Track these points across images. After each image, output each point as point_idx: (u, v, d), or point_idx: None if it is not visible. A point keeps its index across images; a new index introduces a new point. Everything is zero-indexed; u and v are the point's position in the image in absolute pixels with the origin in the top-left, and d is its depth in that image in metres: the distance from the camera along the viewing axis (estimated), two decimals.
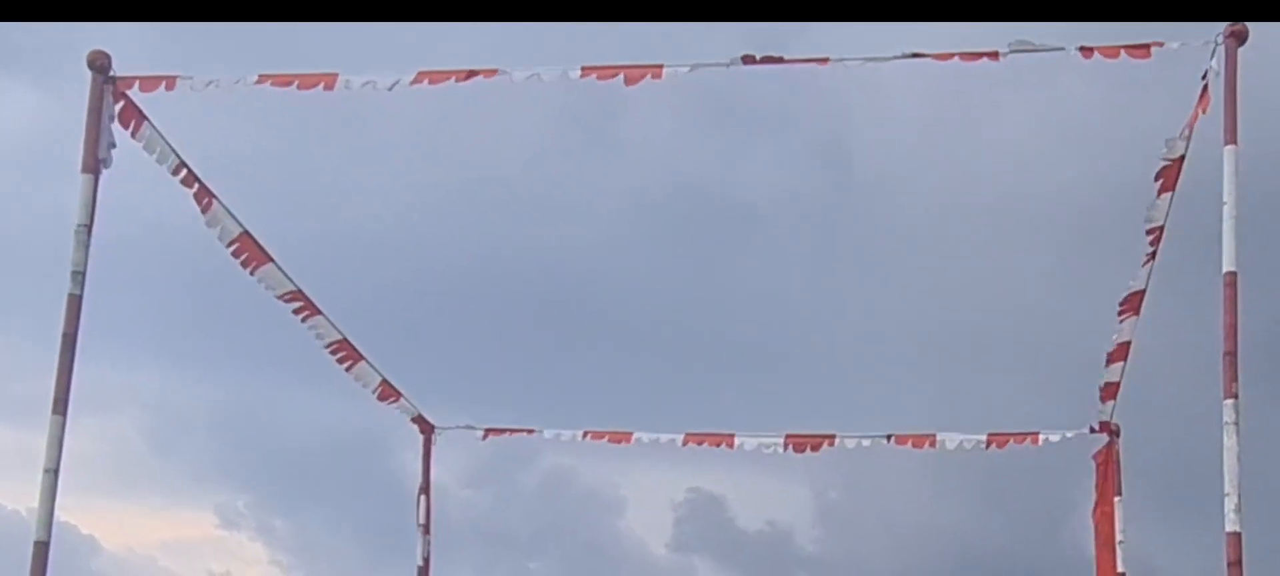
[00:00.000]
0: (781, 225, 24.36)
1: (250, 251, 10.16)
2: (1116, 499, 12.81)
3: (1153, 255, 9.99)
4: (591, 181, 22.02)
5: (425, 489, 14.16)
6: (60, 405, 8.37)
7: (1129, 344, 11.06)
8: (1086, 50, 8.39)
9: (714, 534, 24.87)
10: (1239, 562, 8.17)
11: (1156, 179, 9.39)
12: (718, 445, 13.73)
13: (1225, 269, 8.26)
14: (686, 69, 8.63)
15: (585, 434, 13.87)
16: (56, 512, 8.42)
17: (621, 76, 8.65)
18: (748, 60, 8.55)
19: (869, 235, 23.68)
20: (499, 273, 23.68)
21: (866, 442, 13.53)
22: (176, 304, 21.25)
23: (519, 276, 23.73)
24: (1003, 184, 20.87)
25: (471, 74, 8.69)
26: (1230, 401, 8.20)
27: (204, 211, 9.66)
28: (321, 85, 8.74)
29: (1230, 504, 8.18)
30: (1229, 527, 8.19)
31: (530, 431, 14.19)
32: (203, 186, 9.60)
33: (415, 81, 8.69)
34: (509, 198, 22.19)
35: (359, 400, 13.28)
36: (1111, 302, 10.91)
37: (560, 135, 22.64)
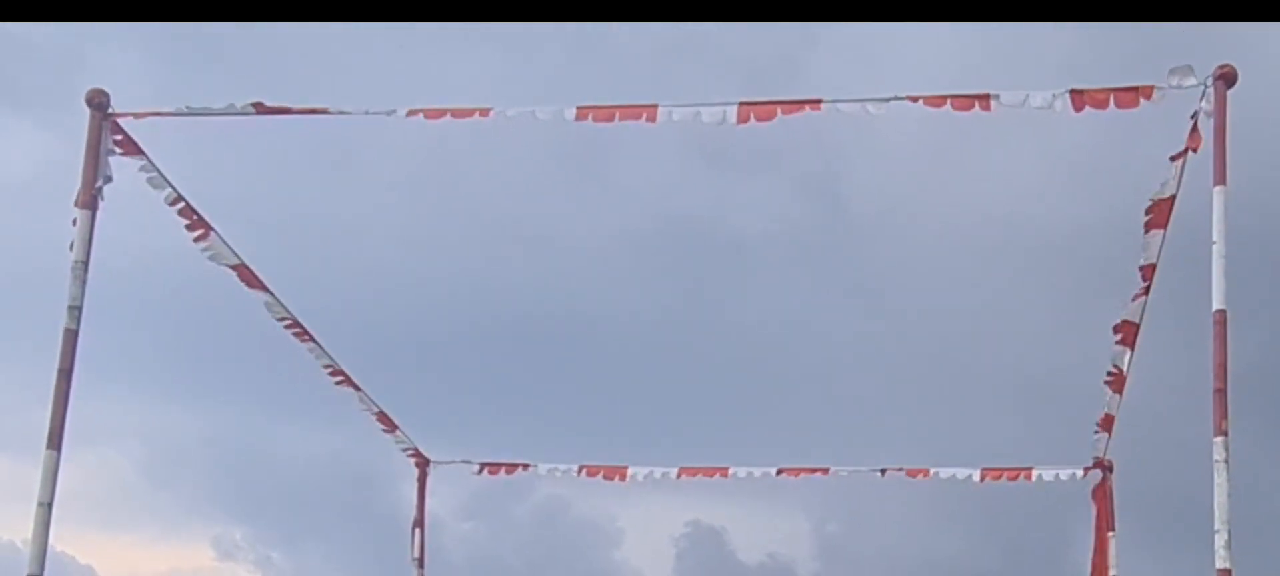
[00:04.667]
0: (776, 260, 24.43)
1: (249, 279, 10.25)
2: (1110, 534, 12.86)
3: (1146, 291, 10.03)
4: (586, 217, 22.11)
5: (420, 522, 14.21)
6: (55, 439, 8.36)
7: (1123, 375, 11.08)
8: (1077, 102, 8.43)
9: (716, 567, 24.88)
10: None
11: (1147, 215, 9.43)
12: (712, 476, 13.79)
13: (1215, 307, 8.28)
14: (681, 113, 8.66)
15: (581, 469, 13.93)
16: (54, 543, 8.44)
17: (616, 116, 8.68)
18: (743, 115, 8.58)
19: (863, 270, 23.77)
20: (494, 308, 23.75)
21: (860, 474, 13.62)
22: (174, 337, 21.29)
23: (513, 311, 23.80)
24: (997, 220, 20.93)
25: (466, 111, 8.74)
26: (1220, 439, 8.22)
27: (201, 242, 9.73)
28: (317, 115, 8.79)
29: (1220, 540, 8.20)
30: (1219, 564, 8.20)
31: (526, 466, 14.23)
32: (199, 218, 9.67)
33: (410, 114, 8.73)
34: (504, 233, 22.29)
35: (356, 434, 13.39)
36: (1108, 339, 10.90)
37: (554, 170, 22.73)
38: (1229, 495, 8.25)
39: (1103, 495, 12.93)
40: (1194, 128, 8.50)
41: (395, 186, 22.25)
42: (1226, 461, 8.23)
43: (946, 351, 23.20)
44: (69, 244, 8.48)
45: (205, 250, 9.83)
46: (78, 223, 8.49)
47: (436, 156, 20.89)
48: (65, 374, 8.42)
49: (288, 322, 10.86)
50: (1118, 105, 8.42)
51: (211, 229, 9.78)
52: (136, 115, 8.78)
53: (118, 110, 8.74)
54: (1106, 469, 12.89)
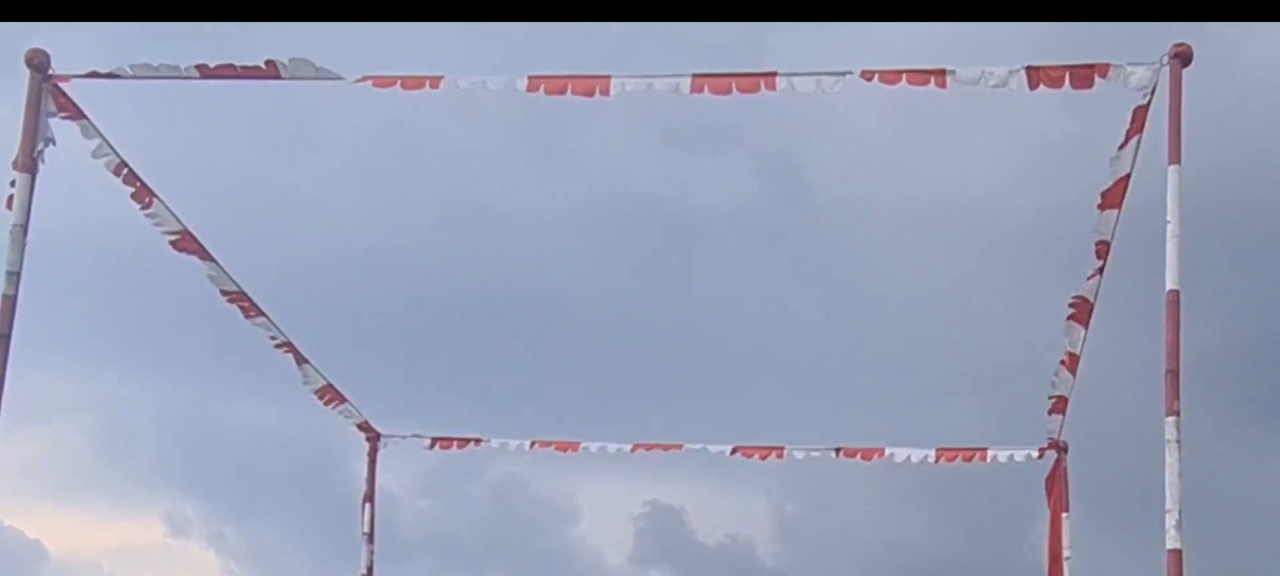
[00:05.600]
0: (734, 239, 24.38)
1: (192, 249, 10.10)
2: (1064, 515, 12.85)
3: (1100, 271, 10.00)
4: (542, 192, 21.98)
5: (370, 497, 14.12)
6: None
7: (1078, 355, 11.06)
8: (1033, 79, 8.38)
9: (675, 547, 24.85)
10: None
11: (1101, 195, 9.40)
12: (667, 453, 13.75)
13: (1168, 287, 8.27)
14: (634, 84, 8.59)
15: (533, 443, 13.87)
16: (1, 517, 8.31)
17: (569, 88, 8.60)
18: (697, 85, 8.51)
19: (821, 250, 23.72)
20: (448, 283, 23.62)
21: (815, 454, 13.60)
22: (120, 309, 21.09)
23: (468, 286, 23.67)
24: (957, 203, 20.91)
25: (417, 81, 8.63)
26: (1172, 419, 8.21)
27: (145, 209, 9.59)
28: (263, 79, 8.66)
29: (1171, 520, 8.19)
30: (1170, 545, 8.19)
31: (478, 441, 14.13)
32: (143, 185, 9.54)
33: (359, 81, 8.62)
34: (458, 207, 22.14)
35: (309, 408, 13.26)
36: (1065, 320, 10.87)
37: (510, 145, 22.60)
38: (1181, 475, 8.24)
39: (1057, 476, 12.92)
40: (1146, 106, 8.46)
41: (348, 158, 22.11)
42: (1178, 441, 8.23)
43: (904, 333, 23.20)
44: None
45: (150, 218, 9.69)
46: (16, 186, 8.36)
47: (391, 129, 20.74)
48: (4, 339, 8.27)
49: (233, 294, 10.74)
50: (1073, 84, 8.39)
51: (155, 196, 9.65)
52: (76, 77, 8.65)
53: (59, 72, 8.61)
54: (1061, 450, 12.88)
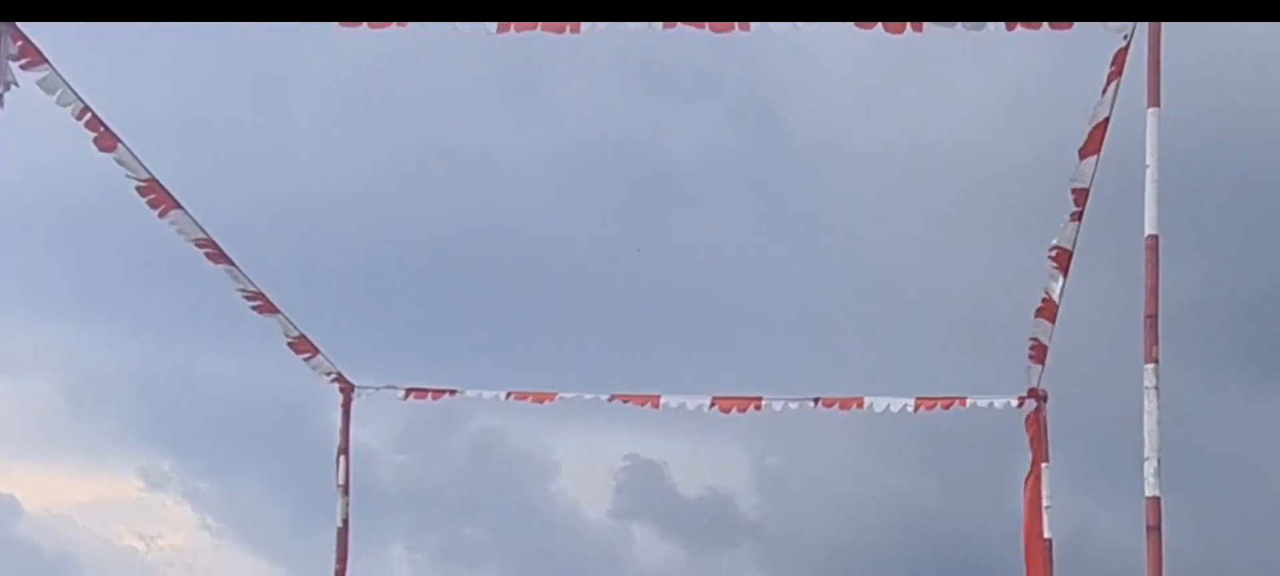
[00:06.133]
0: (711, 187, 24.25)
1: (158, 195, 9.92)
2: (1044, 464, 12.76)
3: (1079, 216, 9.91)
4: (519, 139, 21.78)
5: (344, 449, 13.97)
6: None
7: (1057, 304, 10.97)
8: (1010, 22, 8.28)
9: (655, 501, 24.83)
10: (1158, 527, 8.15)
11: (1082, 142, 9.30)
12: (644, 405, 13.62)
13: (1147, 232, 8.21)
14: (604, 25, 8.46)
15: (509, 394, 13.75)
16: None
17: (539, 26, 8.46)
18: (670, 22, 8.39)
19: (800, 198, 23.60)
20: (423, 233, 23.48)
21: (794, 405, 13.50)
22: (90, 260, 20.90)
23: (443, 237, 23.53)
24: (937, 151, 20.81)
25: (383, 21, 8.47)
26: (1151, 365, 8.17)
27: (107, 152, 9.40)
28: (228, 21, 8.48)
29: (1150, 468, 8.16)
30: (1149, 492, 8.17)
31: (453, 392, 14.00)
32: (107, 130, 9.35)
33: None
34: (431, 154, 21.92)
35: (284, 361, 13.13)
36: (1044, 269, 10.78)
37: (486, 91, 22.41)
38: (1160, 422, 8.19)
39: (1036, 425, 12.83)
40: (1125, 49, 8.35)
41: (318, 103, 21.90)
42: (1157, 388, 8.20)
43: (884, 281, 23.15)
44: None
45: (116, 161, 9.51)
46: None
47: (363, 73, 20.55)
48: None
49: (200, 242, 10.56)
50: (1051, 25, 8.28)
51: (120, 141, 9.47)
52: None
53: None
54: (1041, 398, 12.79)
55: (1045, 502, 12.64)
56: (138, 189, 9.79)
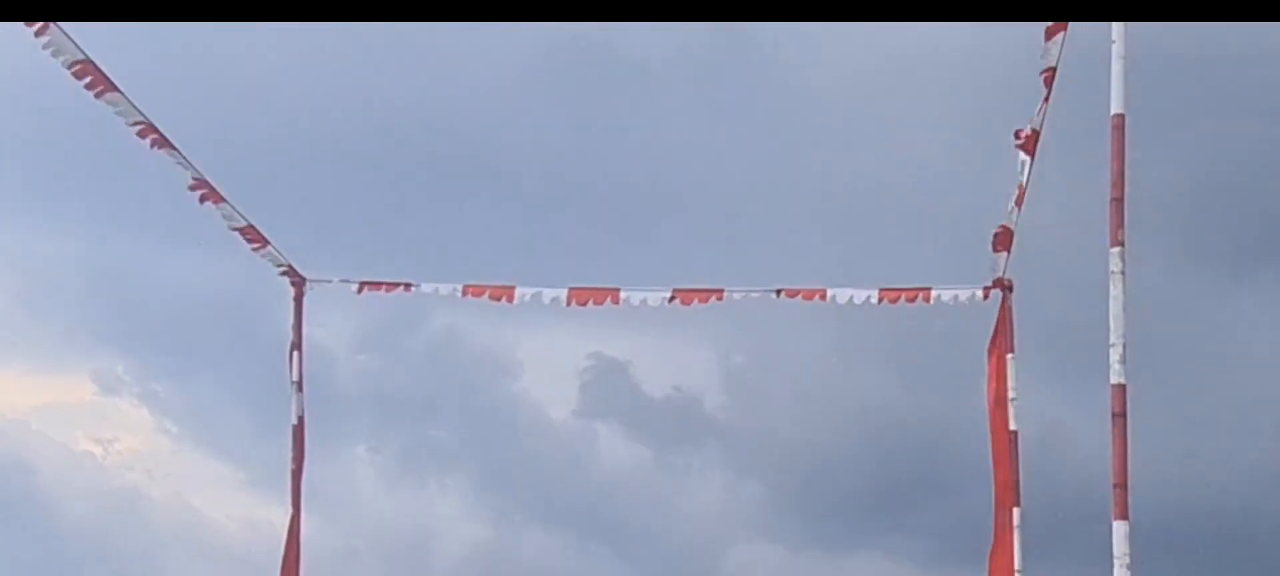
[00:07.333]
0: (672, 82, 23.90)
1: (95, 77, 9.51)
2: (1009, 355, 12.61)
3: (1047, 99, 9.70)
4: (476, 33, 21.30)
5: (298, 345, 13.66)
6: None
7: (1023, 186, 10.78)
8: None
9: (621, 400, 24.69)
10: (1124, 414, 8.03)
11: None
12: (603, 302, 13.39)
13: (1113, 110, 8.05)
14: None
15: (466, 290, 13.48)
16: None
17: None
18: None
19: (761, 93, 23.30)
20: (379, 126, 23.09)
21: (756, 296, 13.32)
22: (33, 158, 20.44)
23: (400, 130, 23.14)
24: (900, 34, 20.46)
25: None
26: (1117, 249, 8.04)
27: (40, 36, 9.00)
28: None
29: (1115, 354, 8.04)
30: (1114, 379, 8.05)
31: (408, 286, 13.71)
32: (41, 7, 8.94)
33: None
34: (382, 40, 21.39)
35: (237, 258, 12.83)
36: (1012, 160, 10.63)
37: None
38: (1125, 308, 8.03)
39: (1002, 315, 12.67)
40: None
41: None
42: (1123, 273, 8.07)
43: (847, 172, 22.93)
44: None
45: (47, 48, 9.12)
46: None
47: None
48: None
49: (141, 127, 10.17)
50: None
51: (53, 22, 9.07)
52: None
53: None
54: (1006, 288, 12.62)
55: (1011, 394, 12.50)
56: (72, 72, 9.39)
